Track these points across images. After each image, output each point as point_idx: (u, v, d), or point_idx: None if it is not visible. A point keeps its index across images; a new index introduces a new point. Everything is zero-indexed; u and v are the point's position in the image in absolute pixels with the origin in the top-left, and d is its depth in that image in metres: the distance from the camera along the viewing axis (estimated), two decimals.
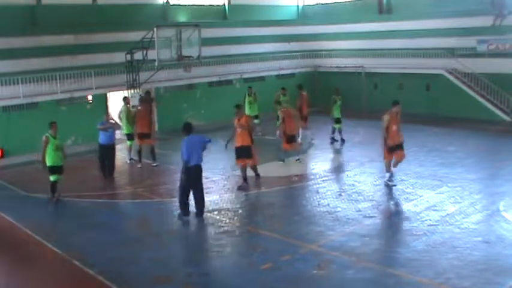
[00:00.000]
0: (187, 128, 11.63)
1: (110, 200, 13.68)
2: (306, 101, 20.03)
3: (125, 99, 17.81)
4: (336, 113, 19.21)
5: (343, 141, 19.29)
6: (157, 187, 13.09)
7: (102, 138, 15.86)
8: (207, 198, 13.41)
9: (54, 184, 13.39)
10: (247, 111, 20.33)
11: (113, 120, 17.44)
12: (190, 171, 11.40)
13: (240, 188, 13.61)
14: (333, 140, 19.40)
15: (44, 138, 13.45)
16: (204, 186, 14.53)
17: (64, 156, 13.65)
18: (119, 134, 22.30)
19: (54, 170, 13.32)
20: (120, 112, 17.52)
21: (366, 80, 27.31)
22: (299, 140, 19.22)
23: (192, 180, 11.55)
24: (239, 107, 14.04)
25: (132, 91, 21.59)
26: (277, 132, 16.58)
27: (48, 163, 13.33)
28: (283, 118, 16.04)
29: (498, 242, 9.69)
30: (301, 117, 19.10)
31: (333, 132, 19.49)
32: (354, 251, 9.52)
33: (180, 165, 11.83)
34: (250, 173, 14.06)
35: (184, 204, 11.74)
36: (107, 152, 15.82)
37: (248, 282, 8.61)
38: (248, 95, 21.39)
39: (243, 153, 13.53)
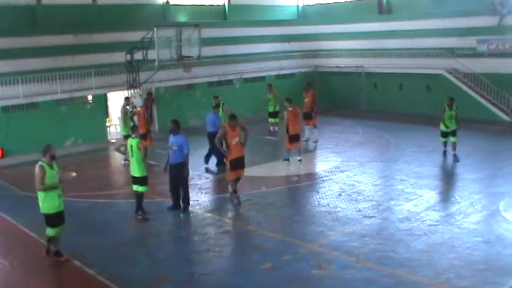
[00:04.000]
0: (180, 125, 12.20)
1: (110, 200, 13.67)
2: (315, 98, 19.41)
3: (125, 99, 17.88)
4: (447, 124, 15.86)
5: (457, 159, 15.81)
6: (158, 187, 13.07)
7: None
8: (208, 198, 13.47)
9: (142, 196, 12.02)
10: None
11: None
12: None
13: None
14: (455, 158, 15.83)
15: (141, 146, 11.75)
16: (204, 186, 14.64)
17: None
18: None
19: (145, 180, 11.91)
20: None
21: (365, 80, 27.31)
22: (315, 137, 19.24)
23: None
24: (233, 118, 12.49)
25: (132, 91, 21.59)
26: (273, 127, 16.06)
27: (142, 173, 11.78)
28: (288, 117, 16.00)
29: (498, 242, 9.69)
30: (311, 116, 19.01)
31: (445, 146, 16.25)
32: (354, 251, 9.53)
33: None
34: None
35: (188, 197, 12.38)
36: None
37: (248, 282, 8.61)
38: (215, 107, 17.33)
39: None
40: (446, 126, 15.74)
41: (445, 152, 16.10)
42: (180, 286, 8.70)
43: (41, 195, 9.33)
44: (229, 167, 12.49)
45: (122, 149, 12.50)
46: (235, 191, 12.71)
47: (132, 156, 11.78)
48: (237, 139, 12.33)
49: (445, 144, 16.08)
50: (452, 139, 15.84)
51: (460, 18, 24.59)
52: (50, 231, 9.59)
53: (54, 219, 9.49)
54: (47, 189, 9.24)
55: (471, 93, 23.18)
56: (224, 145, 12.44)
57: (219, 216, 11.87)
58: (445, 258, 9.10)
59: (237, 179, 12.74)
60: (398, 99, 25.98)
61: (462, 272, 8.53)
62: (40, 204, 9.42)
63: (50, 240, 9.72)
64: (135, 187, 11.97)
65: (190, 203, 12.36)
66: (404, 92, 25.96)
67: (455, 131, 15.82)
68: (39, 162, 9.32)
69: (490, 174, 14.44)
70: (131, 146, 11.76)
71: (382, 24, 28.00)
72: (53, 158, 9.38)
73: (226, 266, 9.40)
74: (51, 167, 9.32)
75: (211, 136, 15.13)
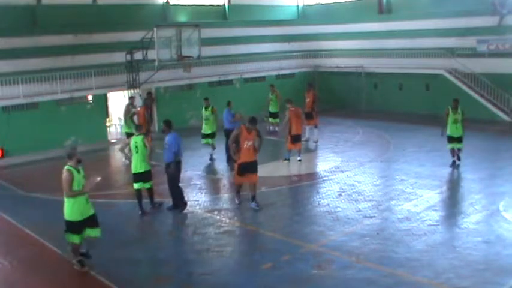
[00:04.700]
0: (171, 125, 12.22)
1: (110, 200, 13.66)
2: (315, 99, 19.33)
3: (130, 99, 18.00)
4: (451, 130, 14.67)
5: (458, 160, 14.95)
6: (157, 187, 13.07)
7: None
8: (208, 198, 13.46)
9: (137, 192, 12.16)
10: (203, 128, 17.41)
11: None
12: (179, 165, 12.07)
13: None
14: (455, 163, 14.95)
15: (146, 142, 11.91)
16: (204, 186, 14.64)
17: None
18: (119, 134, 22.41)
19: (149, 175, 12.12)
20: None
21: (365, 80, 27.31)
22: (315, 137, 19.23)
23: (179, 173, 12.20)
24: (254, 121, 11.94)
25: (132, 91, 21.60)
26: (273, 127, 16.06)
27: (146, 168, 12.01)
28: (290, 118, 15.99)
29: (498, 242, 9.69)
30: (312, 116, 18.99)
31: (453, 154, 15.00)
32: (354, 251, 9.53)
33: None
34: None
35: (183, 197, 12.30)
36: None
37: (248, 282, 8.62)
38: (205, 108, 17.36)
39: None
40: (452, 132, 14.58)
41: (454, 163, 14.92)
42: (180, 286, 8.70)
43: (69, 200, 8.90)
44: (237, 171, 12.07)
45: (126, 150, 12.63)
46: (237, 192, 12.52)
47: (137, 152, 11.87)
48: (250, 143, 11.81)
49: (452, 151, 14.92)
50: (457, 145, 14.79)
51: (460, 18, 24.59)
52: (73, 238, 9.07)
53: (78, 226, 8.99)
54: (75, 195, 8.88)
55: (471, 93, 23.17)
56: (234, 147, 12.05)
57: (219, 216, 11.87)
58: (445, 258, 9.10)
59: (253, 185, 12.15)
60: (398, 99, 25.98)
61: (462, 272, 8.53)
62: (66, 209, 8.95)
63: (75, 247, 9.18)
64: (139, 185, 12.05)
65: (189, 203, 12.36)
66: (404, 92, 25.96)
67: (461, 138, 14.68)
68: (66, 167, 8.83)
69: (490, 174, 14.44)
70: (135, 143, 11.86)
71: (382, 24, 28.00)
72: (79, 161, 9.01)
73: (226, 266, 9.39)
74: (78, 171, 8.92)
75: (228, 133, 15.42)
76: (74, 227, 8.99)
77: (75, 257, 9.30)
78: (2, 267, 9.67)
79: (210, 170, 16.39)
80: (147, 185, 12.14)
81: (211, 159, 17.22)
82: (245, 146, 11.82)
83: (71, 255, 9.39)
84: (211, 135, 17.22)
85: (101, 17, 24.46)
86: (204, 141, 17.42)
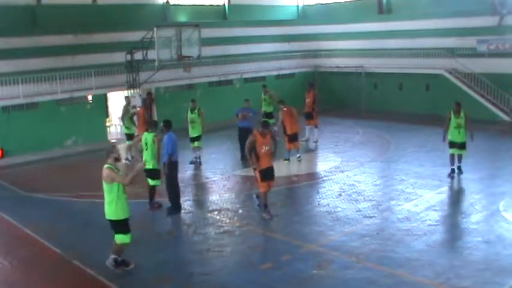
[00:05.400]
0: (169, 125, 12.19)
1: None
2: (316, 99, 19.18)
3: (125, 98, 17.97)
4: (452, 135, 13.84)
5: (459, 170, 14.04)
6: (157, 187, 13.07)
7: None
8: (208, 198, 13.45)
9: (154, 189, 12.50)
10: (189, 132, 16.56)
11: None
12: (175, 166, 12.07)
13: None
14: (454, 172, 14.05)
15: (156, 140, 12.09)
16: (205, 186, 14.62)
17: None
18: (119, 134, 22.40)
19: (156, 173, 12.26)
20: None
21: (365, 80, 27.31)
22: (315, 137, 19.21)
23: (175, 174, 12.19)
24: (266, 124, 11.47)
25: (132, 91, 21.60)
26: (275, 128, 16.32)
27: (154, 166, 12.20)
28: (283, 119, 16.03)
29: (498, 242, 9.69)
30: (312, 116, 19.00)
31: (452, 162, 14.12)
32: (354, 251, 9.52)
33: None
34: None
35: (178, 199, 12.28)
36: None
37: (248, 282, 8.61)
38: (191, 110, 16.52)
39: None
40: (453, 137, 13.76)
41: (453, 171, 14.02)
42: (180, 286, 8.70)
43: (112, 201, 8.60)
44: (260, 178, 11.34)
45: (138, 146, 12.81)
46: (265, 205, 11.60)
47: (146, 149, 12.07)
48: (267, 148, 11.21)
49: (452, 158, 14.02)
50: (458, 151, 13.91)
51: (460, 18, 24.59)
52: (125, 238, 8.84)
53: (127, 223, 8.82)
54: (128, 184, 8.64)
55: (471, 93, 23.16)
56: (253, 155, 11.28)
57: (219, 216, 11.87)
58: (445, 258, 9.11)
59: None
60: (398, 99, 25.98)
61: (462, 272, 8.53)
62: (111, 210, 8.67)
63: (122, 248, 8.98)
64: (148, 179, 12.35)
65: (189, 202, 12.34)
66: (404, 92, 25.96)
67: (464, 144, 13.83)
68: (107, 165, 8.54)
69: (490, 174, 14.44)
70: (145, 140, 12.08)
71: (382, 24, 28.00)
72: (116, 159, 8.82)
73: (226, 266, 9.39)
74: (117, 169, 8.73)
75: (240, 130, 16.29)
76: (124, 225, 8.80)
77: (116, 254, 8.97)
78: (2, 267, 9.68)
79: (210, 170, 16.37)
80: (153, 182, 12.33)
81: (198, 160, 16.86)
82: (263, 151, 11.22)
83: (112, 254, 9.00)
84: (198, 138, 16.53)
85: (101, 17, 24.46)
86: (193, 144, 16.69)
